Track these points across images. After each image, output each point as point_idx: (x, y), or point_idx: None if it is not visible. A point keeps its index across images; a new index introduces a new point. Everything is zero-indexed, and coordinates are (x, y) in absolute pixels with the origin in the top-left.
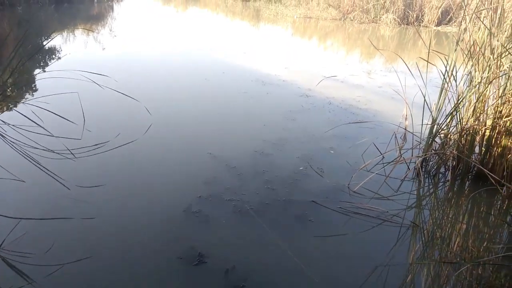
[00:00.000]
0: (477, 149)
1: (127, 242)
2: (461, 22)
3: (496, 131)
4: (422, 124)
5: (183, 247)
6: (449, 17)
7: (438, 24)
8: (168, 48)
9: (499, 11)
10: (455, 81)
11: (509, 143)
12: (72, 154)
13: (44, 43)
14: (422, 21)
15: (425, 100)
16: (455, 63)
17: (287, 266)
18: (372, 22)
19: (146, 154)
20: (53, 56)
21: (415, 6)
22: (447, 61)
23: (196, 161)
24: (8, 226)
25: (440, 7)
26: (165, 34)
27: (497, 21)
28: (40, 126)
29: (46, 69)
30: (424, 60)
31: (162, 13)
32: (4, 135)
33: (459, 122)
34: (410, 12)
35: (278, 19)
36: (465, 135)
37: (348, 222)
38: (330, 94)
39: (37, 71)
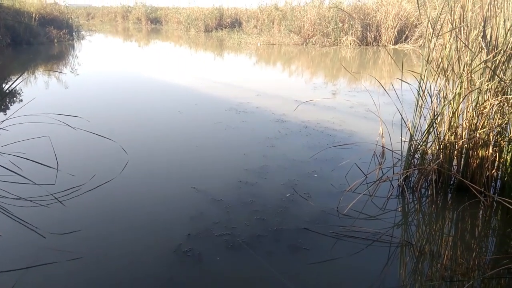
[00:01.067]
0: (455, 162)
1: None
2: (431, 39)
3: (472, 143)
4: (401, 142)
5: None
6: (405, 35)
7: (396, 43)
8: (135, 84)
9: (463, 26)
10: (430, 97)
11: (486, 153)
12: (57, 199)
13: (5, 87)
14: (380, 41)
15: (402, 116)
16: (427, 80)
17: None
18: (333, 44)
19: (126, 194)
20: (17, 100)
21: (372, 27)
22: (421, 78)
23: (179, 197)
24: None
25: (396, 27)
26: (130, 70)
27: (464, 37)
28: (15, 173)
29: (11, 114)
30: (398, 79)
31: (124, 49)
32: None
33: (436, 137)
34: (368, 33)
35: (242, 48)
36: (443, 149)
37: (341, 246)
38: (305, 118)
39: (1, 117)
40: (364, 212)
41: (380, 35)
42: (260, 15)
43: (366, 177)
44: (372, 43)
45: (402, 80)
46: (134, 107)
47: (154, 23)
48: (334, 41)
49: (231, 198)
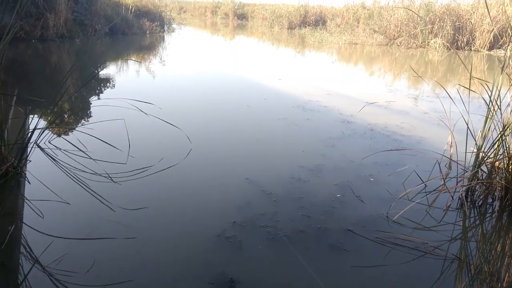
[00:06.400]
0: None
1: (163, 265)
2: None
3: None
4: (466, 152)
5: (215, 272)
6: (502, 40)
7: (490, 48)
8: (212, 76)
9: None
10: (500, 108)
11: None
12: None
13: (97, 72)
14: (473, 45)
15: (468, 127)
16: (499, 89)
17: None
18: (420, 47)
19: (185, 179)
20: (105, 84)
21: (465, 30)
22: (492, 88)
23: (232, 186)
24: (53, 245)
25: (492, 31)
26: (210, 63)
27: None
28: (85, 153)
29: (98, 96)
30: (467, 86)
31: (210, 42)
32: (56, 159)
33: (506, 150)
34: (460, 36)
35: (322, 46)
36: None
37: (386, 253)
38: (373, 120)
39: (90, 98)
40: (417, 222)
41: (473, 39)
42: (345, 13)
43: (425, 185)
44: (464, 47)
45: (469, 89)
46: (206, 98)
47: (241, 18)
48: (421, 43)
49: (281, 192)
